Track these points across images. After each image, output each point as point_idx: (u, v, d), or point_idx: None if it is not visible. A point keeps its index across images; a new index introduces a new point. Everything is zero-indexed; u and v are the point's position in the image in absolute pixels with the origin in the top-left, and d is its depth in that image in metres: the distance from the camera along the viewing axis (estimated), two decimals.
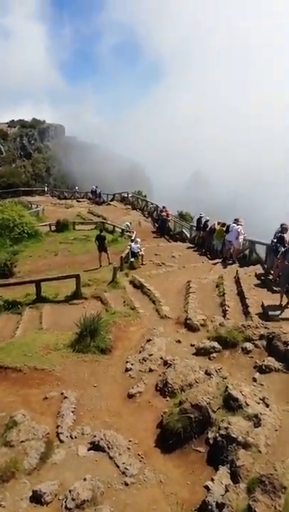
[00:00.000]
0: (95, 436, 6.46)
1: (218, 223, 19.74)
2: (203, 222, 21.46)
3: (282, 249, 11.42)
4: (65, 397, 7.65)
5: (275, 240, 12.80)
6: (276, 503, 4.60)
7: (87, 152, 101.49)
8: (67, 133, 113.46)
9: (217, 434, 6.18)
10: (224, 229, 18.36)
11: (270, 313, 10.28)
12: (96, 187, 44.62)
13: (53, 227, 27.42)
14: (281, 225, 12.90)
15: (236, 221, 17.51)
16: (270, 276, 13.38)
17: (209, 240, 20.62)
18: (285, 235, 12.24)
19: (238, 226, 17.14)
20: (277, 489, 4.72)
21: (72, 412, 7.28)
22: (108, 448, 6.22)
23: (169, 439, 6.43)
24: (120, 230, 25.80)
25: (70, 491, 5.19)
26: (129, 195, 39.94)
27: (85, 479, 5.41)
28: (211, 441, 6.24)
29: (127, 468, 5.87)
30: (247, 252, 17.46)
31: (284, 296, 10.90)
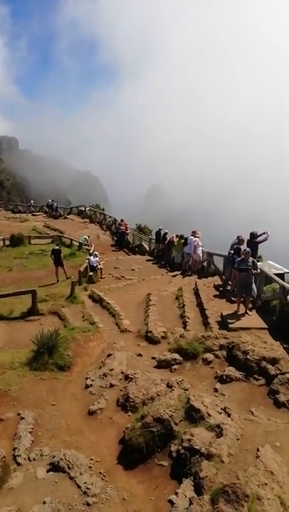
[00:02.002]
0: (54, 457, 6.18)
1: (177, 236, 20.02)
2: (162, 235, 21.68)
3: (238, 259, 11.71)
4: (22, 418, 7.29)
5: (232, 252, 13.12)
6: None
7: (42, 165, 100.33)
8: (23, 146, 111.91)
9: (180, 447, 6.12)
10: (183, 241, 18.64)
11: (229, 323, 10.46)
12: (52, 200, 43.99)
13: (7, 242, 26.57)
14: (237, 236, 13.25)
15: (194, 233, 17.85)
16: (228, 287, 13.67)
17: (168, 253, 20.83)
18: (241, 247, 12.57)
19: (196, 238, 17.46)
20: (240, 498, 4.71)
21: (30, 432, 6.95)
22: (68, 468, 5.97)
23: (132, 455, 6.30)
24: (78, 244, 25.49)
25: None
26: (87, 208, 39.69)
27: (44, 502, 5.15)
28: (174, 455, 6.17)
29: (88, 488, 5.65)
30: (205, 263, 17.78)
31: (241, 305, 11.15)
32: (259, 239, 12.83)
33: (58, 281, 18.12)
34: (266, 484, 5.15)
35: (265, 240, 12.84)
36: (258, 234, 12.90)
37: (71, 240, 26.50)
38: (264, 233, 12.86)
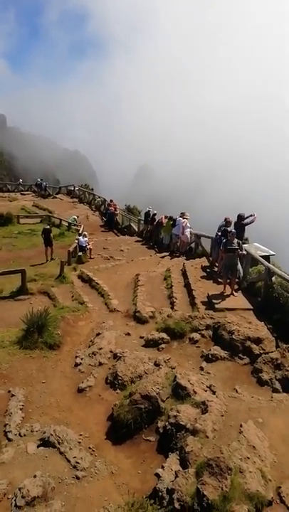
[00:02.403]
0: (44, 433, 6.36)
1: (166, 217, 20.04)
2: (151, 216, 21.67)
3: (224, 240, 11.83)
4: (13, 395, 7.45)
5: (220, 234, 13.23)
6: (223, 485, 4.81)
7: (30, 144, 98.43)
8: (11, 123, 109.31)
9: (166, 423, 6.34)
10: (171, 223, 18.68)
11: (216, 303, 10.65)
12: (41, 179, 43.41)
13: None
14: (225, 218, 13.35)
15: (182, 215, 17.89)
16: (215, 268, 13.84)
17: (157, 234, 20.88)
18: (228, 228, 12.67)
19: (184, 220, 17.51)
20: (223, 471, 4.93)
21: (21, 409, 7.11)
22: (58, 443, 6.15)
23: (120, 431, 6.51)
24: (67, 224, 25.36)
25: (19, 489, 5.09)
26: (76, 188, 39.28)
27: (35, 476, 5.32)
28: (161, 430, 6.39)
29: (78, 462, 5.85)
30: (193, 245, 17.90)
31: (227, 286, 11.34)
32: (246, 221, 12.96)
33: (47, 260, 18.10)
34: (248, 458, 5.39)
35: (252, 222, 12.98)
36: (245, 216, 13.03)
37: (60, 219, 26.34)
38: (251, 215, 12.98)
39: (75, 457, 5.94)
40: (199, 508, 4.62)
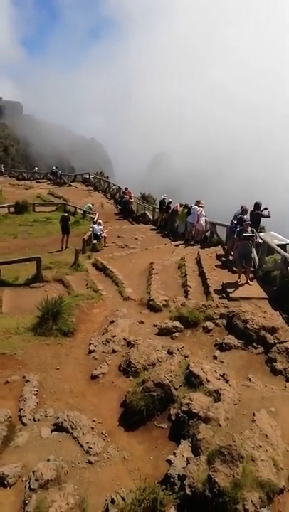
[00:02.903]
0: (58, 418, 6.46)
1: (181, 205, 19.89)
2: (166, 204, 21.54)
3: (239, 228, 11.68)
4: (27, 381, 7.57)
5: (236, 222, 13.06)
6: (234, 472, 4.82)
7: (46, 131, 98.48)
8: (26, 111, 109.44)
9: (179, 411, 6.36)
10: (186, 211, 18.54)
11: (230, 292, 10.57)
12: (56, 168, 43.54)
13: (12, 209, 26.54)
14: (241, 206, 13.16)
15: (198, 203, 17.73)
16: (231, 257, 13.71)
17: (172, 222, 20.77)
18: (244, 217, 12.51)
19: (199, 208, 17.36)
20: (235, 459, 4.93)
21: (35, 395, 7.23)
22: (72, 428, 6.24)
23: (133, 418, 6.55)
24: (82, 212, 25.42)
25: (33, 472, 5.19)
26: (91, 176, 39.29)
27: (48, 460, 5.42)
28: (174, 418, 6.41)
29: (90, 447, 5.93)
30: (208, 233, 17.75)
31: (242, 275, 11.23)
32: (263, 212, 12.77)
33: (62, 248, 18.23)
34: (260, 447, 5.37)
35: (268, 216, 12.80)
36: (262, 208, 12.83)
37: (75, 207, 26.43)
38: (266, 209, 12.81)
39: (87, 442, 6.02)
40: (210, 495, 4.64)
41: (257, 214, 12.66)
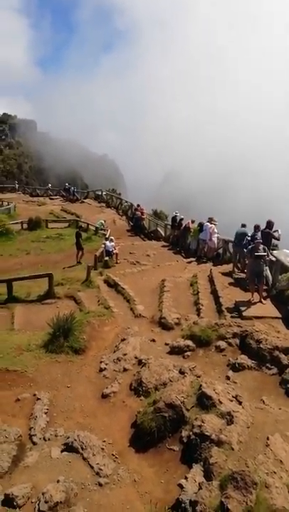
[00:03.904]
0: (68, 438, 6.39)
1: (192, 221, 19.92)
2: (177, 221, 21.59)
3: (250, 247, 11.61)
4: (38, 399, 7.54)
5: (249, 238, 12.95)
6: (248, 499, 4.68)
7: (60, 149, 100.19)
8: (40, 128, 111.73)
9: (191, 433, 6.24)
10: (199, 228, 18.54)
11: (243, 311, 10.45)
12: (69, 184, 44.19)
13: (25, 225, 26.93)
14: (255, 225, 13.06)
15: (210, 220, 17.73)
16: (240, 275, 13.60)
17: (184, 239, 20.77)
18: (257, 236, 12.42)
19: (212, 225, 17.35)
20: (248, 485, 4.80)
21: (45, 413, 7.19)
22: (82, 449, 6.16)
23: (143, 439, 6.45)
24: (94, 228, 25.63)
25: (42, 494, 5.12)
26: (104, 192, 39.73)
27: (58, 481, 5.34)
28: (185, 440, 6.29)
29: (101, 469, 5.84)
30: (221, 250, 17.69)
31: (255, 293, 11.12)
32: (274, 233, 12.72)
33: (77, 263, 18.36)
34: (275, 473, 5.22)
35: (277, 239, 12.77)
36: (274, 230, 12.79)
37: (88, 224, 26.66)
38: (277, 231, 12.78)
39: (98, 463, 5.93)
40: None
41: (268, 233, 12.58)
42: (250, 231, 13.38)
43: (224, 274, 14.08)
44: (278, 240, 12.93)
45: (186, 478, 5.48)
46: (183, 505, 4.99)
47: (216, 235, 17.33)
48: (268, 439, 5.86)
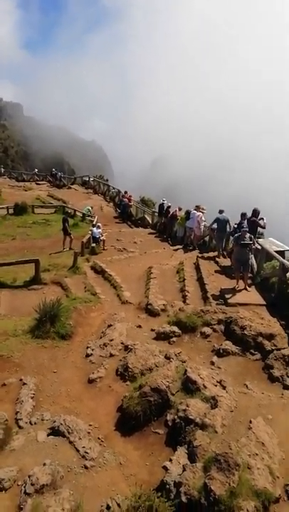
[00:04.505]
0: (54, 422, 6.45)
1: (180, 209, 19.92)
2: (165, 208, 21.55)
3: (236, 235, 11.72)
4: (24, 384, 7.55)
5: (236, 226, 13.01)
6: (230, 480, 4.81)
7: (46, 133, 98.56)
8: (27, 112, 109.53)
9: (176, 416, 6.35)
10: (186, 215, 18.55)
11: (228, 298, 10.58)
12: (56, 170, 43.61)
13: (11, 211, 26.47)
14: (241, 214, 13.13)
15: (197, 208, 17.75)
16: (225, 263, 13.72)
17: (171, 226, 20.78)
18: (244, 224, 12.49)
19: (199, 213, 17.38)
20: (231, 467, 4.93)
21: (32, 398, 7.21)
22: (68, 433, 6.23)
23: (129, 423, 6.55)
24: (81, 215, 25.43)
25: (29, 477, 5.18)
26: (91, 179, 39.33)
27: (44, 464, 5.40)
28: (170, 423, 6.41)
29: (86, 452, 5.92)
30: (207, 238, 17.77)
31: (240, 281, 11.25)
32: (260, 222, 12.83)
33: (63, 249, 18.26)
34: (257, 454, 5.37)
35: (263, 227, 12.90)
36: (259, 217, 12.93)
37: (74, 210, 26.40)
38: (262, 219, 12.90)
39: (84, 447, 6.01)
40: (206, 503, 4.64)
41: (254, 221, 12.67)
42: (234, 219, 13.51)
43: (210, 261, 14.18)
44: (264, 228, 13.08)
45: (170, 460, 5.60)
46: (167, 486, 5.11)
47: (203, 223, 17.38)
48: (250, 422, 6.01)
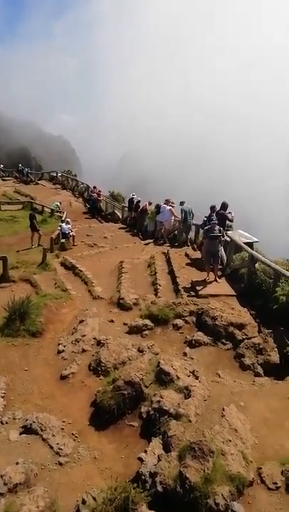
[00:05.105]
0: (27, 420, 6.33)
1: (149, 203, 19.93)
2: (135, 203, 21.50)
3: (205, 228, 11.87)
4: None
5: (205, 219, 13.14)
6: (205, 467, 4.87)
7: (12, 128, 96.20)
8: None
9: (150, 408, 6.37)
10: (156, 210, 18.57)
11: (199, 290, 10.68)
12: (22, 165, 42.70)
13: None
14: (211, 207, 13.27)
15: (167, 202, 17.81)
16: (195, 255, 13.86)
17: (141, 221, 20.77)
18: (213, 217, 12.63)
19: (169, 207, 17.44)
20: (206, 454, 4.99)
21: (2, 397, 7.05)
22: (41, 430, 6.13)
23: (103, 417, 6.52)
24: (50, 211, 25.02)
25: (1, 476, 5.05)
26: (59, 174, 38.76)
27: (17, 463, 5.29)
28: (144, 415, 6.42)
29: (60, 449, 5.85)
30: (177, 232, 17.87)
31: (210, 272, 11.38)
32: (228, 215, 13.03)
33: (32, 245, 17.93)
34: (230, 441, 5.46)
35: (231, 220, 13.14)
36: (228, 211, 13.16)
37: (42, 206, 25.96)
38: (230, 213, 13.13)
39: (57, 443, 5.93)
40: (182, 490, 4.68)
41: (222, 214, 12.84)
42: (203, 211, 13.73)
43: (181, 254, 14.28)
44: (231, 221, 13.28)
45: (145, 451, 5.61)
46: (143, 477, 5.13)
47: (172, 217, 17.48)
48: (223, 410, 6.10)
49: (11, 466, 5.24)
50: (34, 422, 6.23)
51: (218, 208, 12.98)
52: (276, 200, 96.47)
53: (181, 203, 15.71)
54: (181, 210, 15.78)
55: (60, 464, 5.59)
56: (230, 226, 13.93)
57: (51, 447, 5.87)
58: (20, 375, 7.80)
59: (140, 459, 5.52)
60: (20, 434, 6.14)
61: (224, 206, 13.12)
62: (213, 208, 12.89)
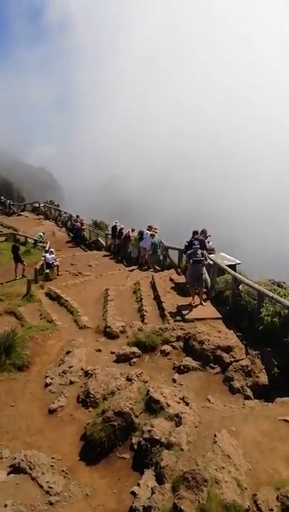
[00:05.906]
0: (15, 459, 6.14)
1: (132, 230, 20.10)
2: (118, 230, 21.65)
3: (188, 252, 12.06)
4: None
5: (187, 244, 13.32)
6: (199, 497, 4.77)
7: None
8: None
9: (141, 438, 6.26)
10: (139, 236, 18.73)
11: (185, 314, 10.70)
12: (4, 197, 42.72)
13: None
14: (193, 231, 13.51)
15: (150, 228, 18.00)
16: (180, 280, 13.95)
17: (125, 248, 20.87)
18: (194, 241, 12.82)
19: (152, 233, 17.62)
20: (199, 483, 4.90)
21: None
22: (30, 469, 5.95)
23: (94, 450, 6.38)
24: (33, 241, 24.96)
25: None
26: (41, 204, 38.87)
27: (5, 506, 5.11)
28: (136, 446, 6.30)
29: (51, 487, 5.67)
30: (161, 257, 17.99)
31: (196, 296, 11.44)
32: (207, 240, 13.38)
33: (16, 277, 17.77)
34: (224, 468, 5.38)
35: (208, 248, 13.56)
36: (207, 235, 13.57)
37: (26, 237, 25.88)
38: (208, 242, 13.58)
39: (47, 482, 5.76)
40: None
41: (203, 240, 13.09)
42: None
43: (165, 279, 14.33)
44: (208, 249, 13.55)
45: (138, 484, 5.48)
46: None
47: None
48: (215, 436, 6.02)
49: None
50: (22, 460, 6.05)
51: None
52: (255, 219, 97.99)
53: (152, 236, 17.20)
54: (152, 242, 17.16)
55: (51, 503, 5.41)
56: (213, 249, 14.14)
57: (41, 486, 5.69)
58: (6, 411, 7.61)
59: (133, 493, 5.39)
60: (8, 474, 5.94)
61: (204, 234, 13.45)
62: (195, 233, 13.11)
